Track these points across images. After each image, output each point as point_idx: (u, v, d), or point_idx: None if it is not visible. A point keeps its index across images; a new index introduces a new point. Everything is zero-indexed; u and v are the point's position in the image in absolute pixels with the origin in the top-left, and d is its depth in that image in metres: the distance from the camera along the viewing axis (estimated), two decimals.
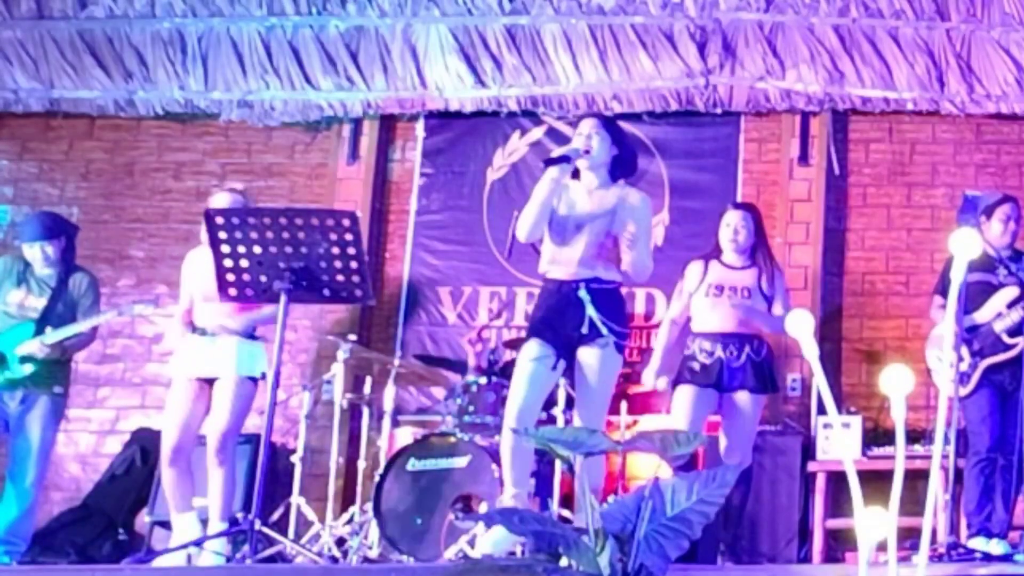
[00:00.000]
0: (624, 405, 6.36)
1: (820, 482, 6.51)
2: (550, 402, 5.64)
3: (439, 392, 6.76)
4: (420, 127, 7.78)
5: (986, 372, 5.42)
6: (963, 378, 5.34)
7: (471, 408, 6.02)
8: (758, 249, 5.63)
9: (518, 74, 7.50)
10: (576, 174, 4.78)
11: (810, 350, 2.41)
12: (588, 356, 4.61)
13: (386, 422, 6.27)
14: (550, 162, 4.69)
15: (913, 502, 3.06)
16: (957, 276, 2.70)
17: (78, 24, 7.65)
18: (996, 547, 5.14)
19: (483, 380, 6.10)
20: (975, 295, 5.41)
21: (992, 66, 7.22)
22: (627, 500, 2.53)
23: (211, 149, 7.88)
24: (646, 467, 6.32)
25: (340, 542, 5.87)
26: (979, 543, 5.16)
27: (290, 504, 6.07)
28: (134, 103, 7.71)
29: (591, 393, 4.64)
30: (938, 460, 2.75)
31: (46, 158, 7.92)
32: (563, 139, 6.68)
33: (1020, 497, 5.39)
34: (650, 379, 5.63)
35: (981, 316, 5.45)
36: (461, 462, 5.72)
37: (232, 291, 4.79)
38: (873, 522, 2.29)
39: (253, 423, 6.08)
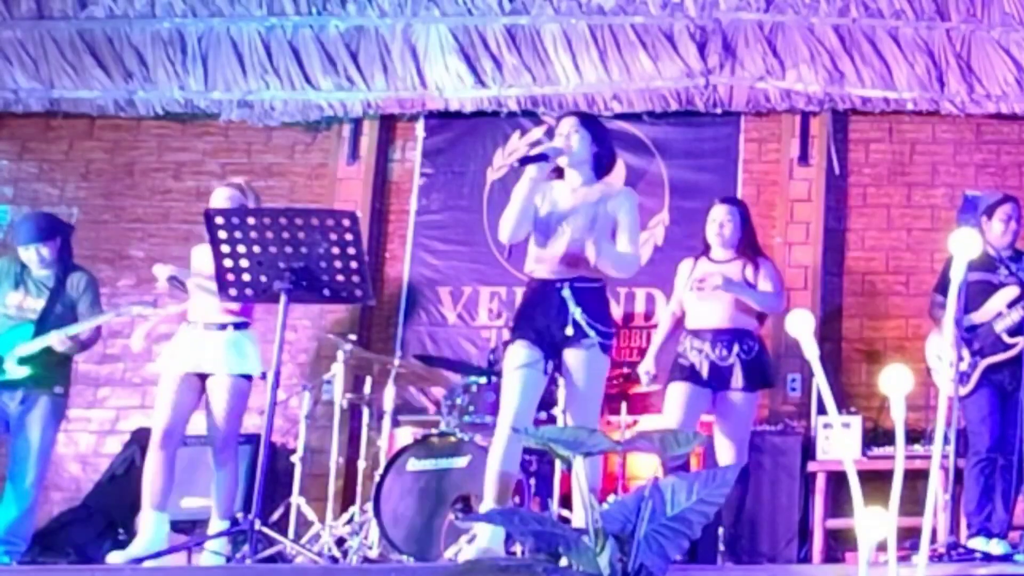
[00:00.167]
0: (624, 405, 6.37)
1: (820, 482, 6.51)
2: (550, 402, 5.64)
3: (439, 392, 6.76)
4: (420, 127, 7.78)
5: (986, 372, 5.42)
6: (963, 378, 5.34)
7: (471, 408, 6.02)
8: (745, 243, 5.63)
9: (518, 74, 7.50)
10: (560, 173, 4.75)
11: (810, 350, 2.41)
12: (574, 358, 4.56)
13: (386, 422, 6.27)
14: (526, 160, 4.65)
15: (913, 502, 3.06)
16: (957, 276, 2.70)
17: (78, 24, 7.65)
18: (996, 547, 5.14)
19: (483, 380, 6.10)
20: (975, 295, 5.42)
21: (992, 66, 7.22)
22: (627, 500, 2.53)
23: (211, 149, 7.88)
24: (646, 467, 6.32)
25: (340, 542, 5.87)
26: (979, 543, 5.16)
27: (290, 504, 6.06)
28: (134, 103, 7.71)
29: (580, 396, 4.58)
30: (938, 460, 2.75)
31: (46, 158, 7.92)
32: None
33: (1020, 497, 5.39)
34: (645, 372, 5.65)
35: (981, 316, 5.45)
36: (461, 462, 5.72)
37: (232, 291, 4.79)
38: (873, 522, 2.29)
39: (253, 423, 6.08)
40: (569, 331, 4.52)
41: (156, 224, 7.73)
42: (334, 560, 5.36)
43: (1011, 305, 5.45)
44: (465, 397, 6.05)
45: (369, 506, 5.76)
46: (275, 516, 6.03)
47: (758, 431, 6.62)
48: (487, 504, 4.45)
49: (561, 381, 5.48)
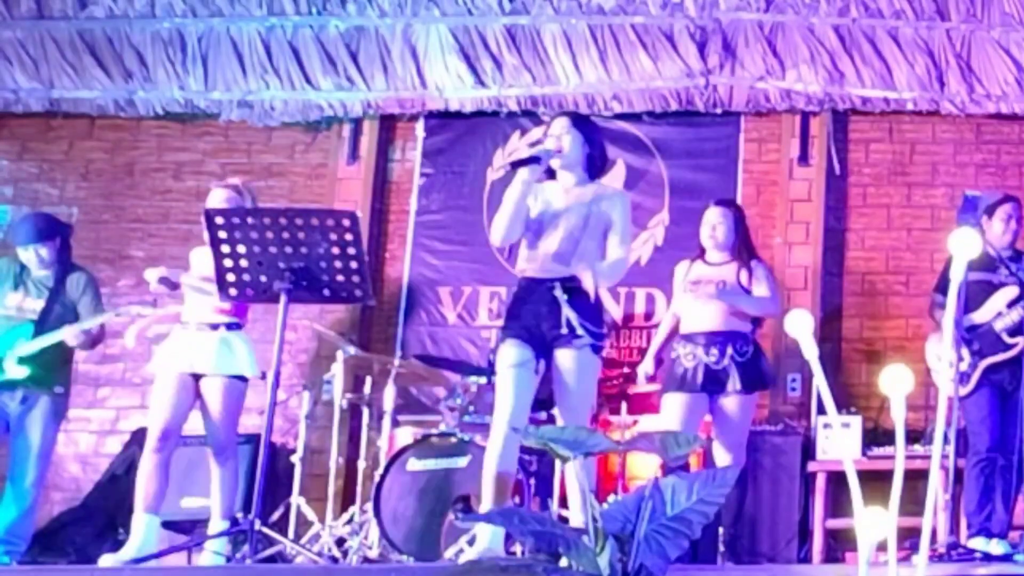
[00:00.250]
0: (624, 405, 6.37)
1: (820, 482, 6.51)
2: (550, 402, 5.62)
3: (439, 392, 6.76)
4: (420, 127, 7.78)
5: (986, 372, 5.42)
6: (963, 378, 5.34)
7: (471, 408, 6.02)
8: (740, 245, 5.63)
9: (518, 74, 7.50)
10: (553, 174, 4.72)
11: (810, 350, 2.41)
12: (565, 359, 4.52)
13: (386, 422, 6.26)
14: (518, 164, 4.63)
15: (913, 502, 3.06)
16: (957, 276, 2.70)
17: (78, 24, 7.65)
18: (996, 547, 5.14)
19: (483, 380, 6.10)
20: (975, 294, 5.42)
21: (992, 66, 7.22)
22: (627, 500, 2.53)
23: (211, 149, 7.88)
24: (646, 467, 6.32)
25: (340, 542, 5.87)
26: (979, 543, 5.16)
27: (290, 504, 6.06)
28: (134, 103, 7.71)
29: (571, 397, 4.55)
30: (938, 460, 2.75)
31: (46, 158, 7.91)
32: None
33: (1020, 497, 5.39)
34: (644, 373, 5.65)
35: (981, 316, 5.45)
36: (461, 462, 5.72)
37: (232, 291, 4.78)
38: (873, 522, 2.29)
39: (253, 423, 6.08)
40: (563, 330, 4.49)
41: (156, 224, 7.73)
42: (334, 560, 5.36)
43: (1011, 305, 5.46)
44: (465, 397, 6.06)
45: (369, 506, 5.76)
46: (275, 516, 6.03)
47: (758, 431, 6.63)
48: (485, 505, 4.44)
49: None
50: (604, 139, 4.97)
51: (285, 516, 6.06)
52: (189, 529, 6.09)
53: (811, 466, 6.56)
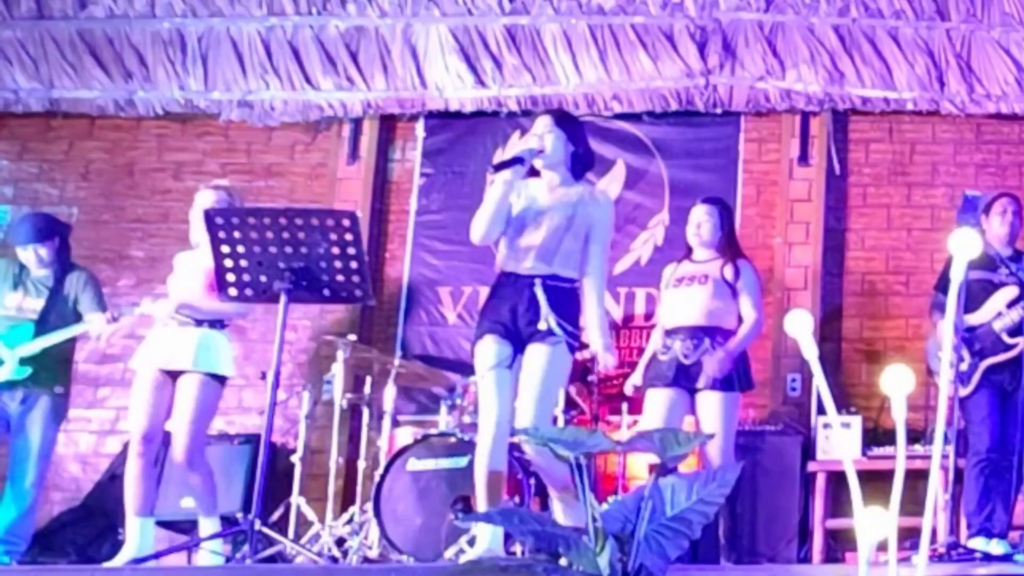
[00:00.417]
0: (624, 405, 6.36)
1: (820, 482, 6.51)
2: None
3: (439, 392, 6.76)
4: (420, 127, 7.79)
5: (986, 372, 5.41)
6: (963, 378, 5.33)
7: (471, 408, 6.02)
8: (725, 242, 5.60)
9: (518, 74, 7.50)
10: (537, 172, 4.70)
11: (810, 350, 2.41)
12: (537, 353, 4.47)
13: (386, 422, 6.27)
14: (501, 166, 4.62)
15: (913, 502, 3.05)
16: (957, 276, 2.70)
17: (78, 24, 7.65)
18: (996, 547, 5.14)
19: None
20: (975, 294, 5.41)
21: (992, 66, 7.22)
22: (627, 500, 2.52)
23: (211, 149, 7.88)
24: (646, 467, 6.32)
25: (340, 542, 5.88)
26: (979, 543, 5.15)
27: (290, 504, 6.07)
28: (134, 103, 7.71)
29: (537, 390, 4.44)
30: (938, 460, 2.75)
31: (46, 158, 7.92)
32: None
33: (1020, 497, 5.39)
34: (633, 384, 5.65)
35: (981, 316, 5.45)
36: (461, 462, 5.71)
37: (232, 291, 4.78)
38: (873, 522, 2.29)
39: (253, 423, 6.09)
40: (540, 326, 4.45)
41: (156, 224, 7.73)
42: (334, 560, 5.37)
43: (1011, 305, 5.45)
44: (465, 397, 6.06)
45: (369, 506, 5.77)
46: (275, 516, 6.03)
47: (758, 431, 6.64)
48: (480, 505, 4.43)
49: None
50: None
51: (285, 516, 6.07)
52: (188, 529, 6.09)
53: (811, 466, 6.56)
